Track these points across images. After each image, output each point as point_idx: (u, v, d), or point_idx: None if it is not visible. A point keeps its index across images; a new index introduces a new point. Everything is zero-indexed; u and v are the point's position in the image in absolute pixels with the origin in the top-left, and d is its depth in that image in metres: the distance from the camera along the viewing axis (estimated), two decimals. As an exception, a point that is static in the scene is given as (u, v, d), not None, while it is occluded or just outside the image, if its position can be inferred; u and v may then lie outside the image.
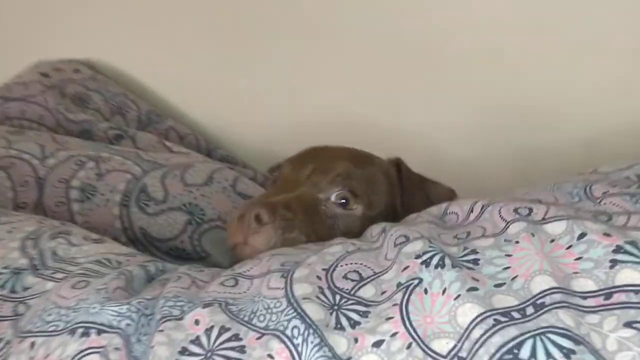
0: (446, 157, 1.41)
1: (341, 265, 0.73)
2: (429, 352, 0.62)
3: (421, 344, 0.63)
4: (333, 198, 0.92)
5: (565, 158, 1.29)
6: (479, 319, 0.62)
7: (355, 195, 0.92)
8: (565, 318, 0.61)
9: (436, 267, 0.68)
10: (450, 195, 1.00)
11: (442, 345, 0.62)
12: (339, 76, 1.49)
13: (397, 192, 0.98)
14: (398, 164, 1.00)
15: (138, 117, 1.56)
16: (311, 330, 0.65)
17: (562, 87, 1.27)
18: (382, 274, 0.72)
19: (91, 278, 0.80)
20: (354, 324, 0.66)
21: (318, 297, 0.69)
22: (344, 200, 0.92)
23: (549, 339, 0.59)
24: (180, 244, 1.14)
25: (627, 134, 1.22)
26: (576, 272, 0.65)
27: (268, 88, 1.56)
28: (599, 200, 0.75)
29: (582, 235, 0.67)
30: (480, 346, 0.60)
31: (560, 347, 0.59)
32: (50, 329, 0.74)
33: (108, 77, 1.62)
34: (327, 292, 0.70)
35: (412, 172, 1.01)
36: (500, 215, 0.74)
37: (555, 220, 0.70)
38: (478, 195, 0.82)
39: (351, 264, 0.73)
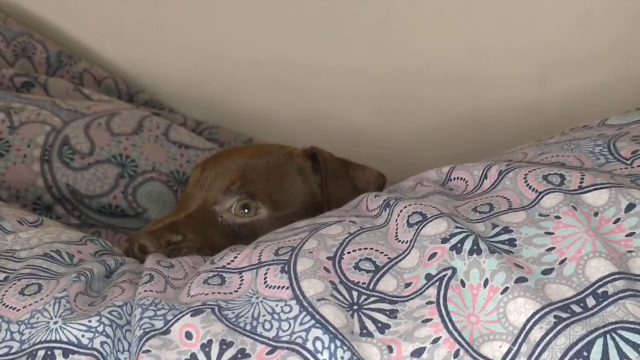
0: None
1: (348, 252, 0.62)
2: (480, 359, 0.53)
3: (470, 350, 0.53)
4: (231, 208, 0.87)
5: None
6: (536, 316, 0.53)
7: (254, 199, 0.87)
8: (634, 310, 0.53)
9: (470, 253, 0.58)
10: (378, 180, 0.94)
11: (494, 350, 0.53)
12: (270, 14, 1.35)
13: (314, 184, 0.92)
14: (313, 154, 0.92)
15: (47, 60, 1.40)
16: (338, 342, 0.54)
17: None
18: (399, 260, 0.61)
19: (42, 280, 0.66)
20: (382, 328, 0.56)
21: (333, 296, 0.58)
22: (246, 210, 0.87)
23: (620, 336, 0.51)
24: (113, 200, 1.08)
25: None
26: (631, 251, 0.57)
27: (193, 23, 1.41)
28: (629, 161, 0.67)
29: (631, 207, 0.59)
30: (543, 350, 0.51)
31: (635, 346, 0.51)
32: (0, 352, 0.60)
33: (6, 14, 1.42)
34: (340, 287, 0.59)
35: (332, 160, 0.93)
36: (527, 184, 0.64)
37: (594, 189, 0.61)
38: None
39: (359, 249, 0.63)
